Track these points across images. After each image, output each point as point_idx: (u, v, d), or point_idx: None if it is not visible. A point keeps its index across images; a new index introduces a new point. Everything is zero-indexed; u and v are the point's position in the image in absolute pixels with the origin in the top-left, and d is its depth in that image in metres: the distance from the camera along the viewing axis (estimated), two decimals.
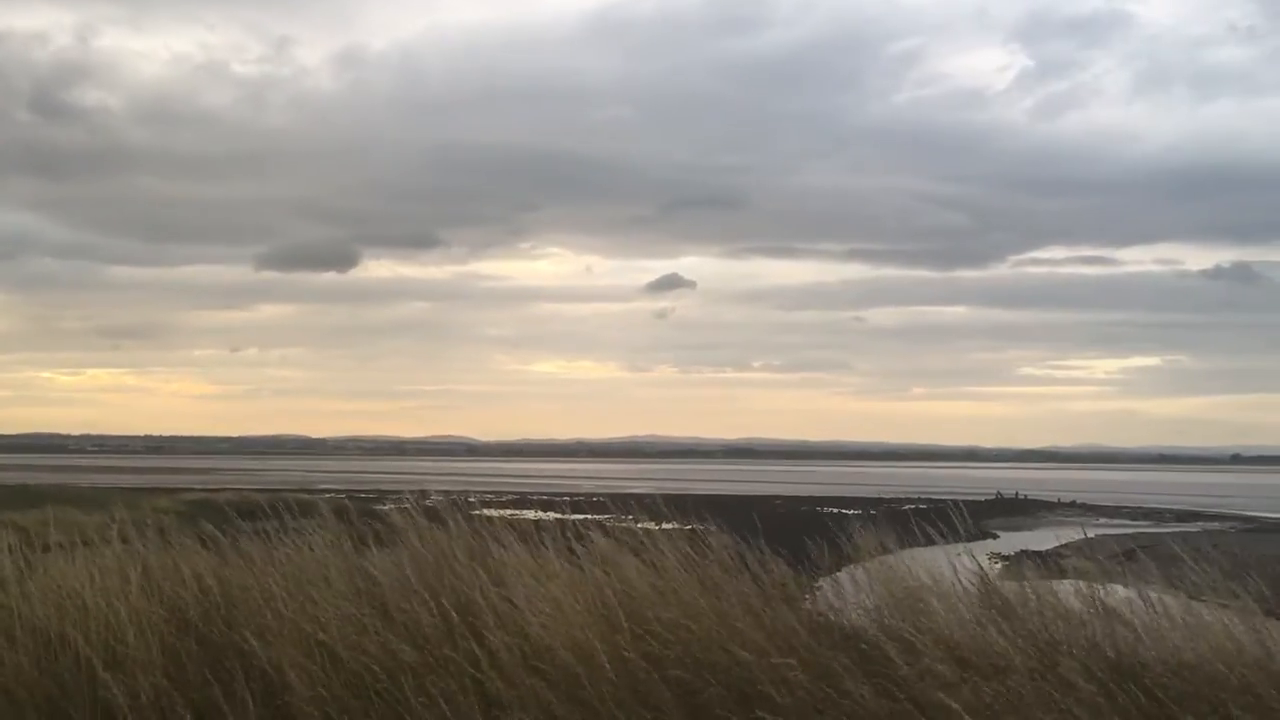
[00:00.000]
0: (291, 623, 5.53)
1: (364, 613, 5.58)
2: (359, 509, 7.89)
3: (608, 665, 4.81)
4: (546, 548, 6.12)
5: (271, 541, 6.62)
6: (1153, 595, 4.91)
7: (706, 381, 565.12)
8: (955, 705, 3.93)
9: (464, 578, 5.80)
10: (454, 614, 5.41)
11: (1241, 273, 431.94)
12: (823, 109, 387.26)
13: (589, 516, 8.29)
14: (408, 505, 6.68)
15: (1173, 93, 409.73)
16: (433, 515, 6.67)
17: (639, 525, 7.22)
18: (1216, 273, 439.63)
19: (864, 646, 4.73)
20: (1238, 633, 4.15)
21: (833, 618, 5.44)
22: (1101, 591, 4.89)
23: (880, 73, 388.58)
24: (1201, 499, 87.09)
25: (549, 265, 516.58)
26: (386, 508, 8.30)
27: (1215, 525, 58.87)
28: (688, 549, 5.86)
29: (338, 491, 61.19)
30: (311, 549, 6.43)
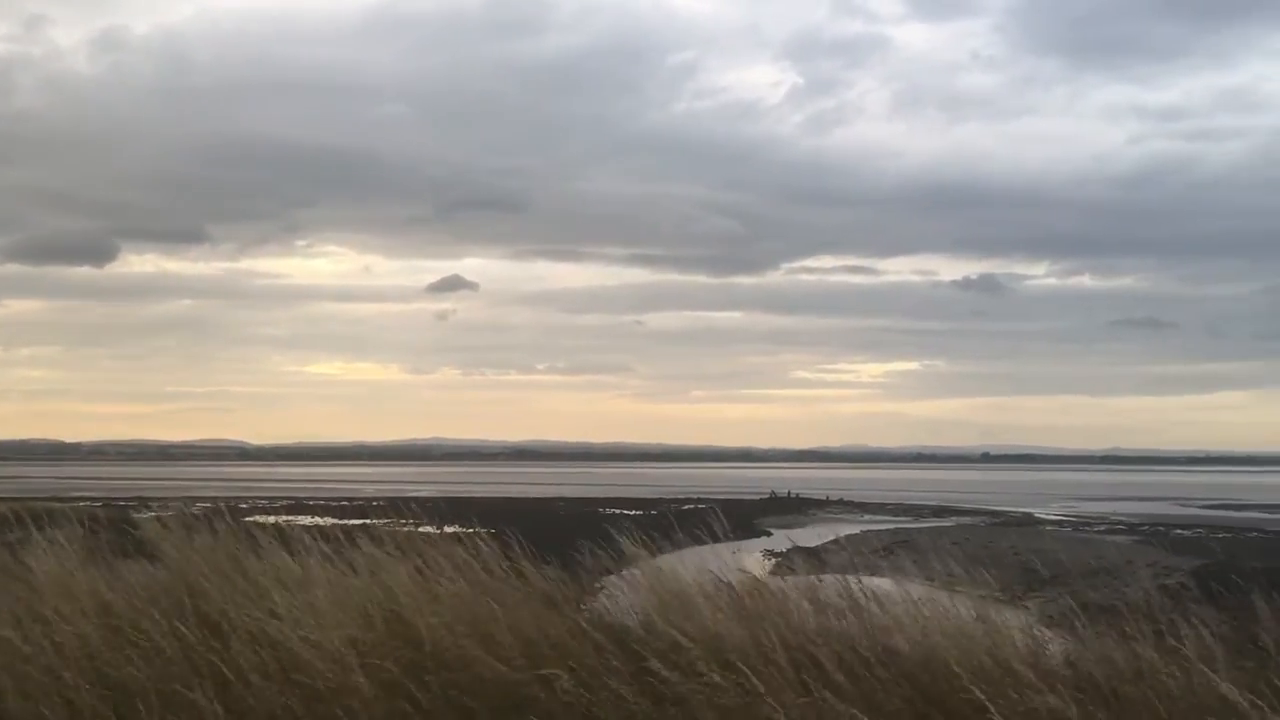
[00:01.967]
0: (13, 648, 5.10)
1: (105, 630, 5.22)
2: (114, 518, 7.42)
3: (367, 676, 4.70)
4: (310, 555, 5.93)
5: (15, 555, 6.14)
6: (908, 586, 5.22)
7: (490, 384, 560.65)
8: (719, 701, 4.07)
9: (220, 588, 5.55)
10: (206, 627, 5.16)
11: (988, 283, 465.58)
12: (604, 115, 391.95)
13: (367, 521, 8.09)
14: (169, 513, 6.33)
15: (927, 114, 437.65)
16: (195, 523, 6.35)
17: (419, 529, 7.11)
18: (966, 283, 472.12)
19: (634, 647, 4.81)
20: (979, 618, 4.49)
21: (606, 619, 5.51)
22: (863, 584, 5.17)
23: (659, 82, 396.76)
24: (955, 495, 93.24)
25: (327, 264, 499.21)
26: (146, 516, 7.84)
27: (967, 520, 63.11)
28: (462, 553, 5.81)
29: (93, 500, 57.27)
30: (61, 563, 6.00)
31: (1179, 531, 54.31)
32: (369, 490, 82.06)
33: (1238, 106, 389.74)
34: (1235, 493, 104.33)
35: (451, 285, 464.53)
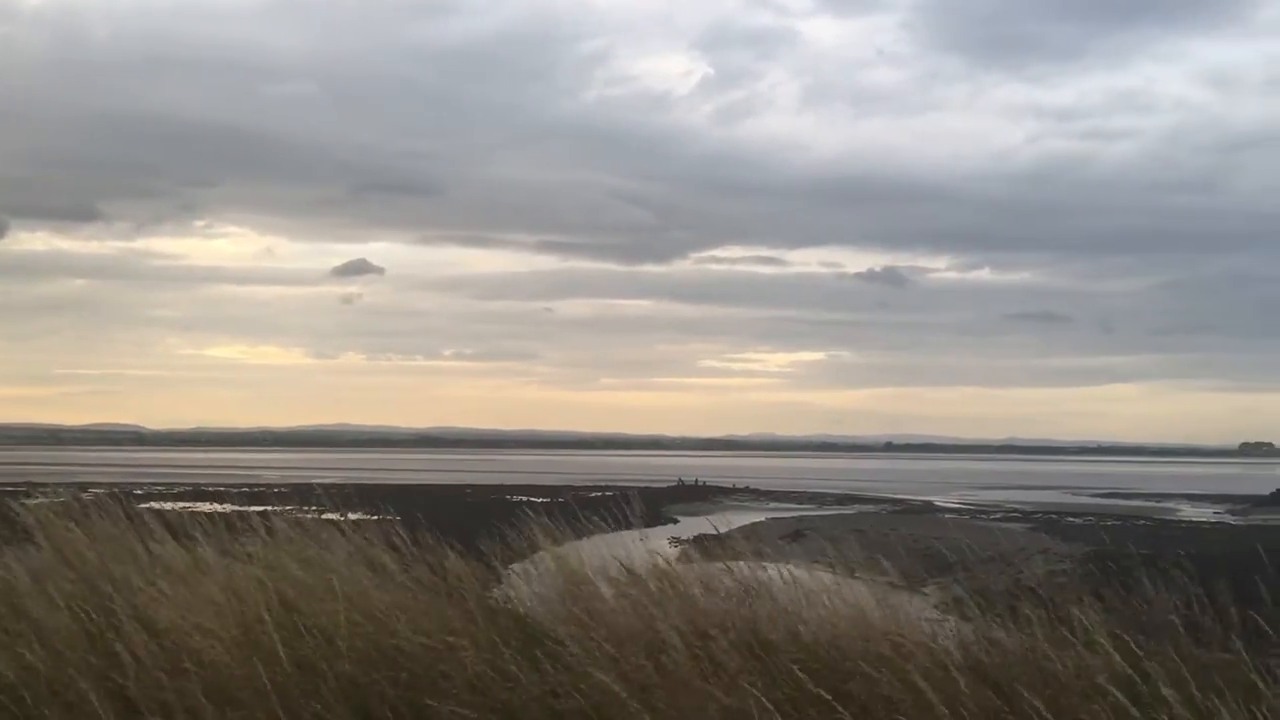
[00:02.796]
0: None
1: None
2: None
3: (263, 663, 4.61)
4: (205, 543, 5.79)
5: None
6: (811, 572, 5.31)
7: (397, 369, 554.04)
8: (616, 687, 4.10)
9: (110, 577, 5.39)
10: (94, 615, 5.00)
11: (891, 276, 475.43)
12: (515, 101, 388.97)
13: (267, 508, 7.93)
14: (58, 499, 6.12)
15: (835, 108, 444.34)
16: (86, 510, 6.15)
17: (322, 516, 6.99)
18: (870, 276, 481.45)
19: (536, 633, 4.80)
20: (878, 603, 4.58)
21: (511, 606, 5.50)
22: (766, 570, 5.25)
23: (570, 69, 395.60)
24: (858, 484, 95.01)
25: (227, 245, 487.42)
26: (34, 502, 7.57)
27: (869, 508, 64.38)
28: (364, 540, 5.73)
29: None
30: None
31: (1071, 519, 56.18)
32: (271, 476, 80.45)
33: (1130, 108, 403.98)
34: (1124, 482, 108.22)
35: (358, 269, 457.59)
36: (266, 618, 4.87)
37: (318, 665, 4.71)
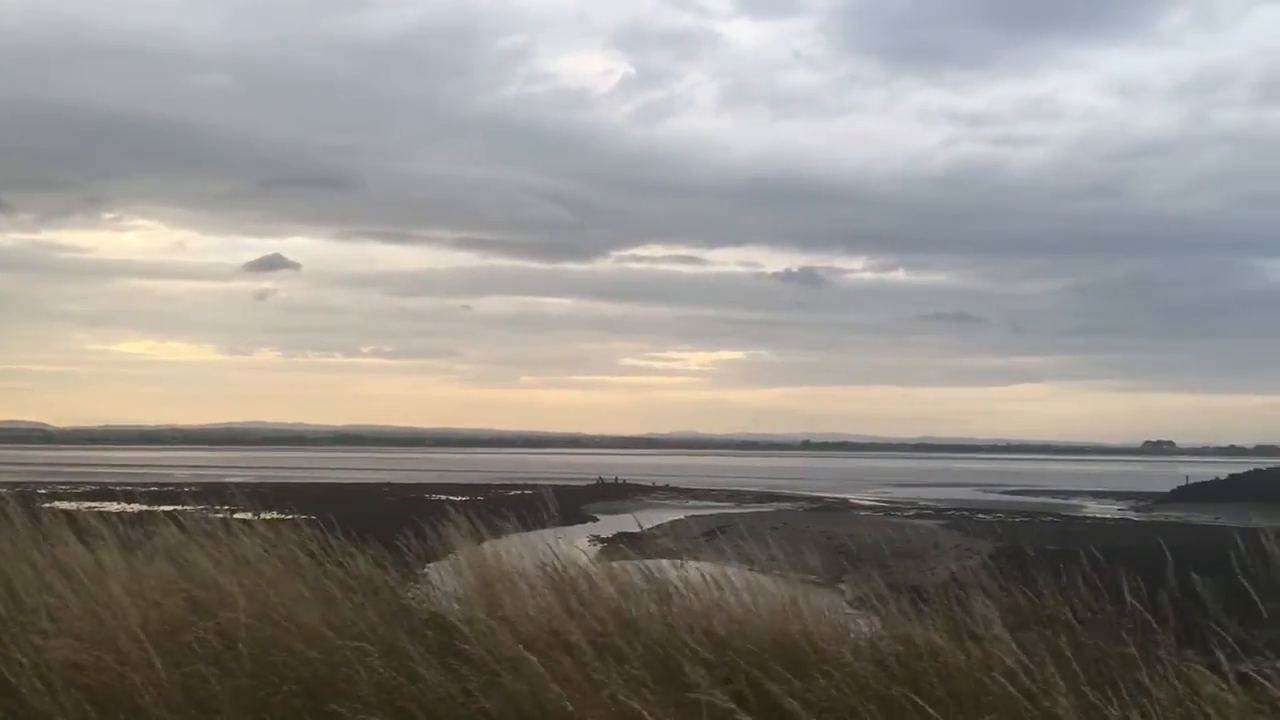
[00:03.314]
0: None
1: None
2: None
3: (164, 668, 4.52)
4: (109, 543, 5.65)
5: None
6: (729, 570, 5.37)
7: (312, 366, 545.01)
8: (519, 687, 4.11)
9: (7, 580, 5.22)
10: None
11: (808, 277, 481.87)
12: (434, 96, 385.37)
13: (177, 508, 7.76)
14: None
15: (754, 109, 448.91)
16: None
17: (233, 516, 6.87)
18: (788, 276, 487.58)
19: (450, 633, 4.77)
20: (793, 600, 4.67)
21: (427, 606, 5.46)
22: (684, 568, 5.29)
23: (490, 66, 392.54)
24: (776, 481, 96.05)
25: (137, 238, 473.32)
26: None
27: (787, 505, 65.11)
28: (274, 540, 5.64)
29: None
30: None
31: (981, 516, 57.48)
32: (181, 475, 78.58)
33: (1039, 115, 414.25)
34: (1033, 480, 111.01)
35: (272, 264, 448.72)
36: (185, 616, 4.78)
37: (223, 668, 4.63)
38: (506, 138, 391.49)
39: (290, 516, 6.74)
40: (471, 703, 4.26)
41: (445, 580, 5.80)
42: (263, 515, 6.93)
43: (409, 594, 5.79)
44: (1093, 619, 4.23)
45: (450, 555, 6.11)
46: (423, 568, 6.19)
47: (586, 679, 4.15)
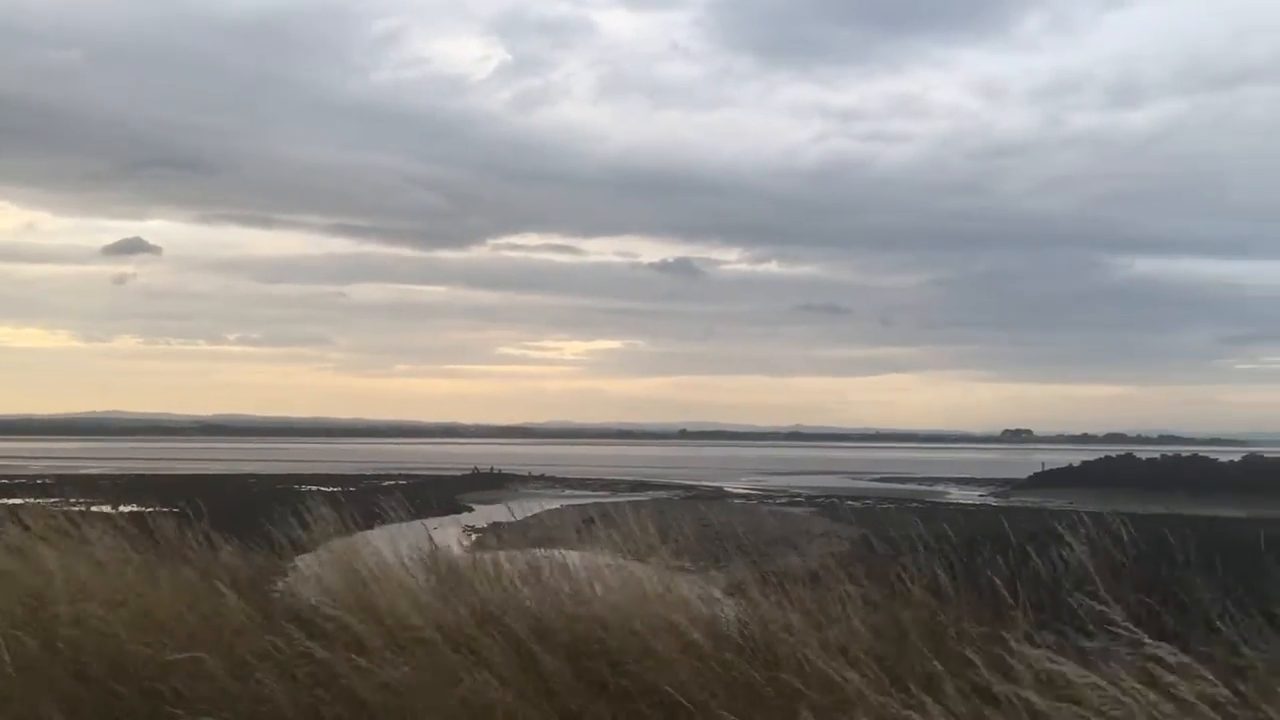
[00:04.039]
0: None
1: None
2: None
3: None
4: None
5: None
6: (604, 558, 5.40)
7: (175, 354, 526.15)
8: (393, 680, 4.08)
9: None
10: None
11: (684, 267, 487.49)
12: (302, 78, 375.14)
13: (28, 500, 7.43)
14: None
15: (631, 99, 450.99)
16: None
17: (90, 509, 6.61)
18: (664, 266, 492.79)
19: (313, 627, 4.68)
20: (666, 587, 4.73)
21: (293, 600, 5.35)
22: (558, 557, 5.30)
23: (362, 49, 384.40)
24: (652, 470, 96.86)
25: None
26: None
27: (662, 494, 65.75)
28: (129, 533, 5.44)
29: None
30: None
31: (850, 503, 59.07)
32: (34, 467, 75.11)
33: (907, 112, 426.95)
34: (900, 467, 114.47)
35: (132, 248, 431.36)
36: (21, 614, 4.57)
37: (63, 670, 4.46)
38: (379, 123, 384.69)
39: (151, 509, 6.52)
40: (330, 694, 4.19)
41: (313, 573, 5.68)
42: (121, 507, 6.68)
43: (275, 588, 5.66)
44: (952, 601, 4.40)
45: (320, 547, 5.99)
46: (291, 560, 6.05)
47: (452, 670, 4.13)
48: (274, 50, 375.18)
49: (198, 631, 4.67)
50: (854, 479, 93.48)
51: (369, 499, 7.04)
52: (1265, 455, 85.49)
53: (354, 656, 4.30)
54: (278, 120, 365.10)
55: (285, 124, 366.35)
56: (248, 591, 5.23)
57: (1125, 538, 4.84)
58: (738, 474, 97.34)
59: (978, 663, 3.45)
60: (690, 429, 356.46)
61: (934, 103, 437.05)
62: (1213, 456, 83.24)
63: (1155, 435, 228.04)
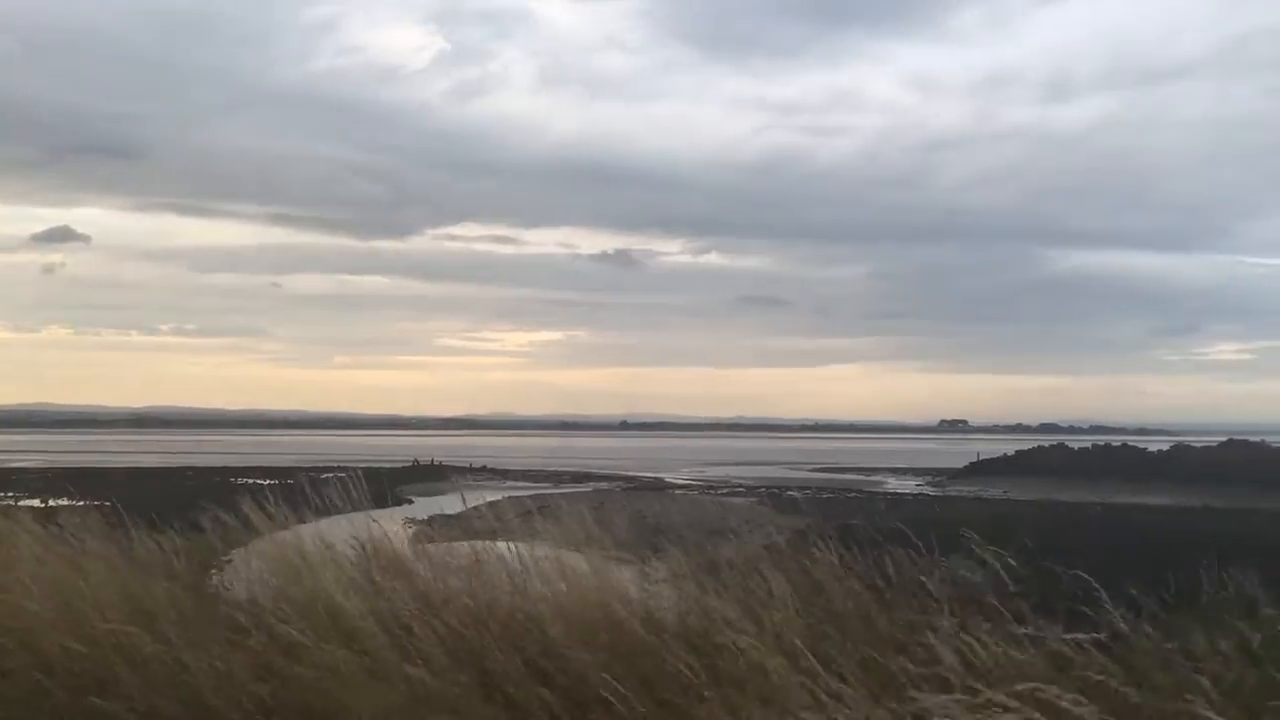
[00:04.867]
0: None
1: None
2: None
3: None
4: None
5: None
6: (544, 550, 5.41)
7: (108, 344, 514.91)
8: (330, 674, 4.05)
9: None
10: None
11: (625, 258, 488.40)
12: (237, 66, 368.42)
13: None
14: None
15: (570, 91, 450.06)
16: None
17: (18, 503, 6.48)
18: (605, 257, 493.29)
19: (249, 620, 4.63)
20: (604, 578, 4.75)
21: (228, 593, 5.29)
22: (498, 549, 5.30)
23: (296, 36, 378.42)
24: (594, 462, 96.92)
25: None
26: None
27: (604, 485, 65.87)
28: (58, 527, 5.34)
29: None
30: None
31: (791, 493, 59.58)
32: None
33: (845, 106, 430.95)
34: (839, 457, 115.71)
35: (61, 236, 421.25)
36: None
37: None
38: (315, 111, 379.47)
39: (82, 503, 6.40)
40: (261, 687, 4.16)
41: (250, 565, 5.62)
42: (51, 501, 6.56)
43: (211, 581, 5.59)
44: (890, 589, 4.47)
45: (257, 540, 5.93)
46: (227, 554, 5.98)
47: (390, 662, 4.12)
48: (207, 37, 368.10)
49: (128, 623, 4.60)
50: (794, 469, 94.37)
51: (307, 491, 6.97)
52: (1192, 445, 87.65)
53: (290, 649, 4.27)
54: (212, 108, 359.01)
55: (220, 112, 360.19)
56: (182, 584, 5.17)
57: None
58: (679, 465, 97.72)
59: (907, 649, 3.52)
60: (632, 420, 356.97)
61: (871, 97, 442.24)
62: (1142, 446, 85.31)
63: (1087, 425, 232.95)
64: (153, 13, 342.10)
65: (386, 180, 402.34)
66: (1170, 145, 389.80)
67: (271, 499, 6.07)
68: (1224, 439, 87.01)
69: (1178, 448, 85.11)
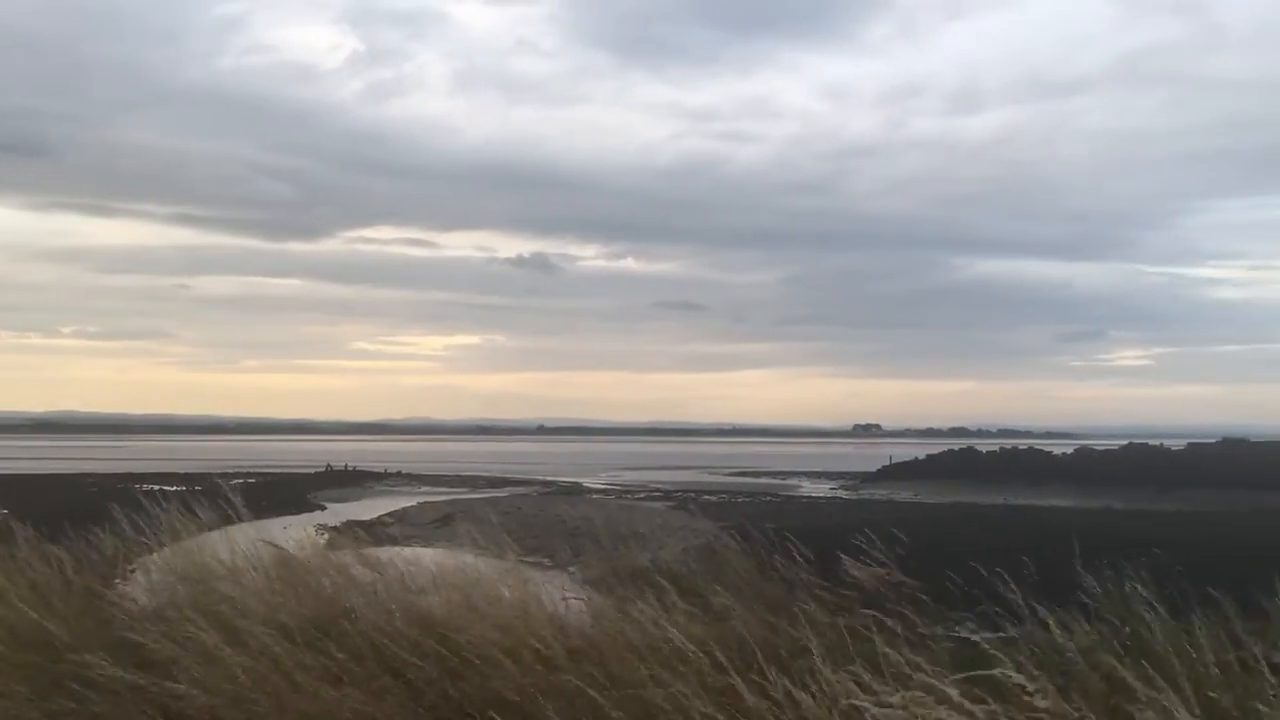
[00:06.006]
0: None
1: None
2: None
3: None
4: None
5: None
6: (459, 555, 5.38)
7: (6, 347, 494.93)
8: (228, 685, 3.99)
9: None
10: None
11: (540, 262, 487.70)
12: (141, 62, 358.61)
13: None
14: None
15: (486, 94, 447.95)
16: None
17: None
18: (520, 261, 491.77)
19: (135, 636, 4.50)
20: (520, 582, 4.74)
21: (129, 605, 5.15)
22: (410, 555, 5.26)
23: (203, 33, 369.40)
24: (511, 466, 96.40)
25: None
26: None
27: (521, 490, 65.48)
28: None
29: None
30: None
31: (707, 497, 59.98)
32: None
33: (759, 114, 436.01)
34: (754, 462, 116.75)
35: None
36: None
37: None
38: (223, 110, 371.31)
39: None
40: (164, 704, 4.06)
41: (153, 575, 5.49)
42: None
43: (112, 592, 5.44)
44: (802, 592, 4.54)
45: (161, 549, 5.79)
46: (130, 563, 5.83)
47: (294, 673, 4.06)
48: (110, 32, 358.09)
49: (31, 634, 4.45)
50: (710, 473, 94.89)
51: (215, 498, 6.82)
52: (1094, 448, 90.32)
53: (193, 660, 4.18)
54: (115, 105, 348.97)
55: (123, 109, 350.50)
56: (79, 596, 5.01)
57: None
58: (596, 469, 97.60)
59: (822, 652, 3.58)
60: (549, 424, 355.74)
61: (784, 104, 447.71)
62: (1047, 449, 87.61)
63: (995, 429, 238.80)
64: (56, 6, 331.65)
65: (298, 181, 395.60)
66: (1073, 156, 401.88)
67: (178, 506, 5.94)
68: (1125, 442, 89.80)
69: (1080, 451, 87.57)
